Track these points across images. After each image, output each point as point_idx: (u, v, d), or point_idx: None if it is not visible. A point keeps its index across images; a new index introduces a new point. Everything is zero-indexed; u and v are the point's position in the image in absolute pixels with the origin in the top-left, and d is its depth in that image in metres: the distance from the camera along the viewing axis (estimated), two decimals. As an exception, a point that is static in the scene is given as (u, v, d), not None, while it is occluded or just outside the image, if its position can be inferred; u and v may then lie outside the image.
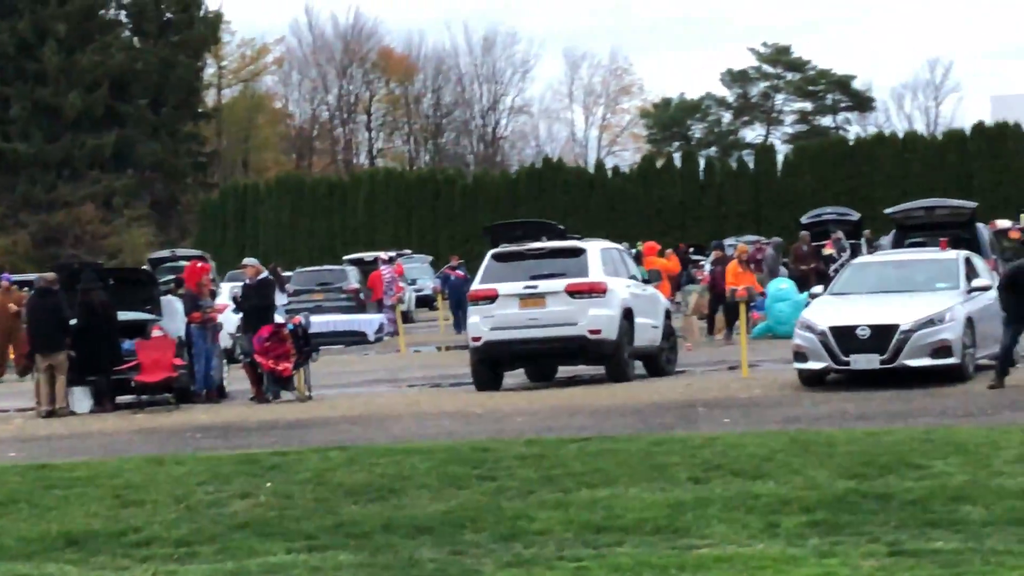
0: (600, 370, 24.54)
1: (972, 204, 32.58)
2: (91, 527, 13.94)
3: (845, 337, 20.90)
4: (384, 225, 69.92)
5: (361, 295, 44.43)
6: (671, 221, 65.04)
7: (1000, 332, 20.72)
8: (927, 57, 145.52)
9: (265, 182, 77.66)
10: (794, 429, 16.72)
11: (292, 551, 12.85)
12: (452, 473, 14.99)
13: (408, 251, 58.50)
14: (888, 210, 32.22)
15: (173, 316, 25.26)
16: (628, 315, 23.94)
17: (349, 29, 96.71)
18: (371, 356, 36.22)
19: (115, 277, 26.45)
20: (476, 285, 24.40)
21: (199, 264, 27.27)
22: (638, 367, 24.86)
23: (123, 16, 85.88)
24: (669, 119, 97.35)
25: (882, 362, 20.78)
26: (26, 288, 33.61)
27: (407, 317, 44.68)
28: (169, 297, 26.27)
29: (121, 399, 24.30)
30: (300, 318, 25.33)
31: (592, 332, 23.40)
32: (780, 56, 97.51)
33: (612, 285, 23.88)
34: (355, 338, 40.09)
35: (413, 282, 51.01)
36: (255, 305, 24.99)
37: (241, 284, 27.05)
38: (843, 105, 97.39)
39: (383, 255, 47.45)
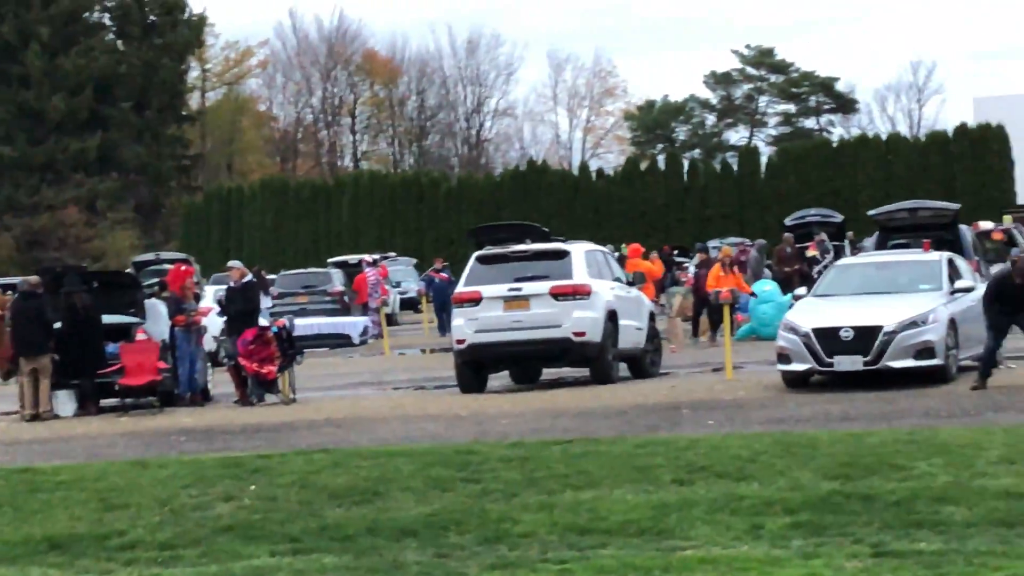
0: (584, 372, 24.56)
1: (955, 206, 32.64)
2: (75, 530, 13.93)
3: (829, 339, 20.93)
4: (368, 228, 69.91)
5: (346, 298, 44.42)
6: (655, 223, 65.11)
7: (983, 333, 20.78)
8: (910, 59, 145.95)
9: (249, 185, 77.59)
10: (778, 431, 16.75)
11: (276, 554, 12.86)
12: (436, 476, 15.00)
13: (392, 254, 58.48)
14: (871, 212, 32.27)
15: (157, 319, 25.23)
16: (612, 317, 23.95)
17: (333, 32, 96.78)
18: (355, 359, 36.20)
19: (99, 280, 26.39)
20: (460, 287, 24.40)
21: (183, 267, 27.22)
22: (622, 369, 24.87)
23: (107, 19, 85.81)
24: (653, 121, 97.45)
25: (865, 363, 20.81)
26: (10, 292, 33.54)
27: (391, 320, 44.64)
28: (153, 300, 26.23)
29: (105, 402, 24.26)
30: (284, 321, 25.30)
31: (576, 334, 23.41)
32: (764, 58, 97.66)
33: (596, 287, 23.89)
34: (339, 341, 40.08)
35: (397, 285, 51.00)
36: (240, 308, 24.99)
37: (225, 287, 27.02)
38: (826, 107, 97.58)
39: (367, 258, 47.44)
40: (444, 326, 39.04)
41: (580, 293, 23.57)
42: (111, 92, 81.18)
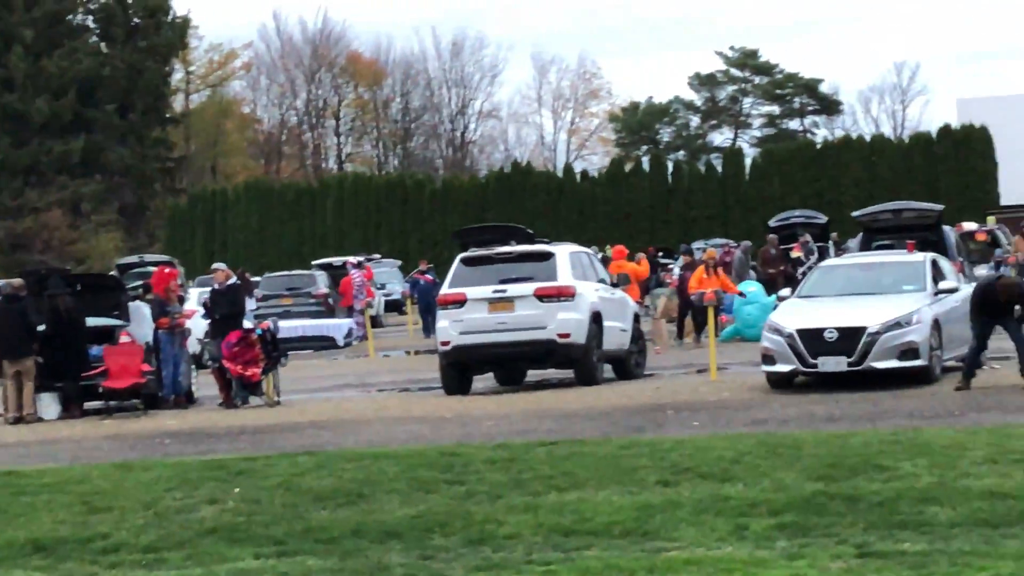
0: (569, 374, 24.56)
1: (939, 207, 32.69)
2: (59, 533, 13.91)
3: (813, 340, 20.96)
4: (353, 230, 69.88)
5: (330, 300, 44.38)
6: (640, 225, 65.17)
7: (967, 334, 20.83)
8: (894, 60, 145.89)
9: (233, 187, 77.50)
10: (762, 431, 16.77)
11: (261, 557, 12.84)
12: (421, 477, 14.99)
13: (377, 256, 58.46)
14: (855, 213, 32.30)
15: (141, 322, 25.20)
16: (597, 319, 23.97)
17: (317, 34, 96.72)
18: (340, 361, 36.18)
19: (83, 283, 26.35)
20: (445, 289, 24.40)
21: (167, 270, 27.17)
22: (607, 370, 24.88)
23: (90, 21, 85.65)
24: (637, 123, 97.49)
25: (850, 364, 20.83)
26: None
27: (376, 321, 44.63)
28: (137, 303, 26.19)
29: (89, 405, 24.23)
30: (268, 323, 25.27)
31: (561, 336, 23.42)
32: (748, 60, 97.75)
33: (581, 289, 23.91)
34: (324, 343, 40.06)
35: (382, 286, 50.97)
36: (225, 311, 24.97)
37: (210, 290, 26.99)
38: (810, 108, 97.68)
39: (352, 260, 47.42)
40: (429, 328, 39.05)
41: (565, 295, 23.58)
42: (95, 94, 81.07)
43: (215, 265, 27.02)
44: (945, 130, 66.35)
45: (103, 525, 14.07)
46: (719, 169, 69.69)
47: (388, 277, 54.39)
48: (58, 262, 67.00)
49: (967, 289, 22.66)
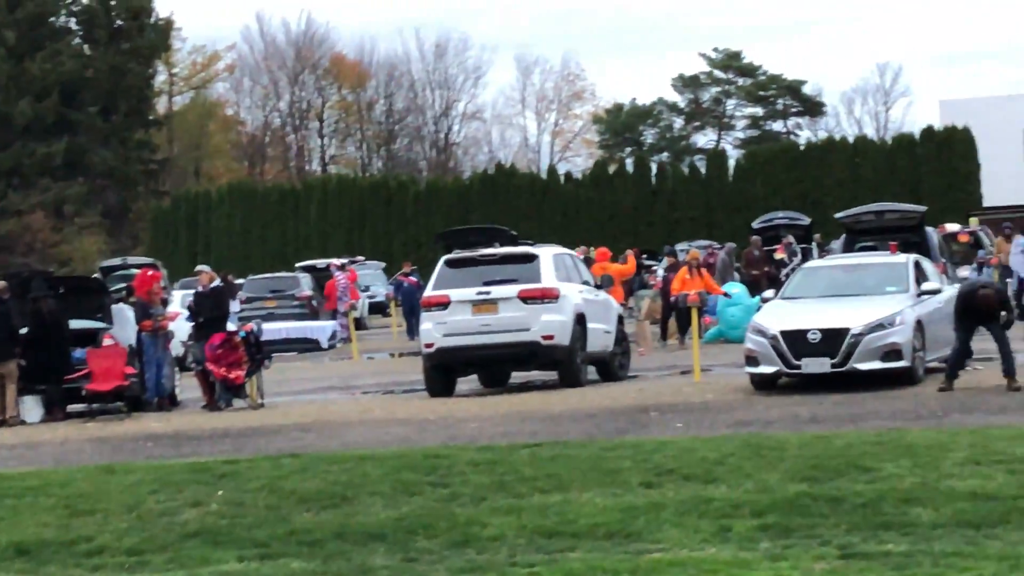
0: (553, 375, 24.57)
1: (921, 208, 32.78)
2: (42, 536, 13.88)
3: (796, 341, 20.99)
4: (337, 232, 69.81)
5: (314, 302, 44.34)
6: (624, 226, 65.17)
7: (950, 335, 20.87)
8: (876, 62, 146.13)
9: (217, 189, 77.37)
10: (746, 433, 16.79)
11: (244, 559, 12.83)
12: (405, 480, 14.99)
13: (361, 258, 58.40)
14: (838, 214, 32.38)
15: (124, 324, 25.16)
16: (581, 320, 23.99)
17: (301, 36, 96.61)
18: (324, 363, 36.15)
19: (66, 285, 26.31)
20: (429, 291, 24.40)
21: (150, 272, 27.14)
22: (591, 372, 24.89)
23: (73, 23, 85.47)
24: (621, 125, 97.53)
25: (833, 366, 20.87)
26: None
27: (360, 324, 44.60)
28: (120, 305, 26.15)
29: (72, 408, 24.19)
30: (252, 325, 25.26)
31: (545, 338, 23.43)
32: (731, 61, 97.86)
33: (565, 291, 23.92)
34: (308, 345, 40.02)
35: (366, 289, 50.93)
36: (209, 314, 24.94)
37: (194, 292, 26.94)
38: (794, 110, 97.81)
39: (336, 262, 47.38)
40: (413, 330, 39.03)
41: (548, 297, 23.59)
42: (78, 96, 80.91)
43: (199, 267, 27.02)
44: (928, 132, 66.45)
45: (86, 528, 14.04)
46: (703, 171, 69.74)
47: (372, 279, 54.34)
48: (41, 264, 66.85)
49: (950, 290, 22.71)
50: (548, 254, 24.66)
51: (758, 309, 24.25)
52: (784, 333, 21.06)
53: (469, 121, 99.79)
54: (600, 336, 24.78)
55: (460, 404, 22.27)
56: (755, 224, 43.62)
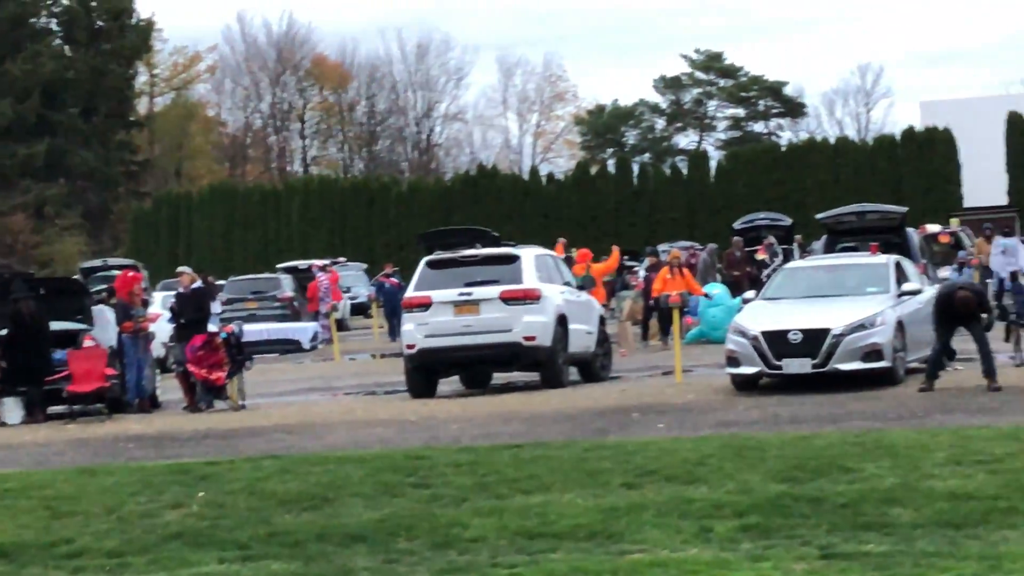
0: (535, 376, 24.57)
1: (902, 209, 32.85)
2: (22, 538, 13.84)
3: (777, 342, 21.02)
4: (318, 233, 69.76)
5: (295, 303, 44.30)
6: (605, 227, 65.21)
7: (930, 336, 20.91)
8: (857, 63, 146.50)
9: (198, 190, 77.28)
10: (727, 434, 16.81)
11: (225, 561, 12.80)
12: (386, 481, 14.97)
13: (342, 259, 58.37)
14: (819, 215, 32.45)
15: (105, 326, 25.11)
16: (562, 321, 23.99)
17: (282, 37, 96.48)
18: (305, 364, 36.11)
19: (46, 287, 26.25)
20: (410, 292, 24.38)
21: (131, 273, 27.08)
22: (573, 373, 24.90)
23: (54, 24, 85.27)
24: (603, 126, 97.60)
25: (814, 366, 20.90)
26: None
27: (341, 325, 44.56)
28: (101, 307, 26.09)
29: (53, 409, 24.11)
30: (233, 327, 25.22)
31: (526, 339, 23.44)
32: (712, 63, 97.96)
33: (546, 292, 23.93)
34: (289, 346, 39.98)
35: (348, 290, 50.91)
36: (191, 315, 24.91)
37: (175, 293, 26.91)
38: (775, 111, 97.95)
39: (317, 263, 47.33)
40: (394, 331, 38.99)
41: (530, 297, 23.60)
42: (58, 98, 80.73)
43: (180, 269, 26.93)
44: (909, 133, 66.62)
45: (67, 530, 14.01)
46: (684, 172, 69.83)
47: (354, 280, 54.31)
48: (22, 266, 66.68)
49: (931, 291, 22.76)
50: (530, 255, 24.67)
51: (739, 310, 24.28)
52: (765, 334, 21.09)
53: (451, 122, 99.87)
54: (582, 337, 24.79)
55: (442, 405, 22.26)
56: (736, 225, 43.71)
